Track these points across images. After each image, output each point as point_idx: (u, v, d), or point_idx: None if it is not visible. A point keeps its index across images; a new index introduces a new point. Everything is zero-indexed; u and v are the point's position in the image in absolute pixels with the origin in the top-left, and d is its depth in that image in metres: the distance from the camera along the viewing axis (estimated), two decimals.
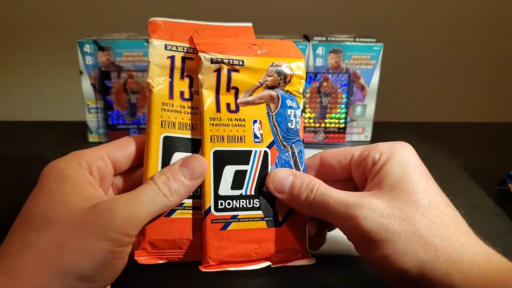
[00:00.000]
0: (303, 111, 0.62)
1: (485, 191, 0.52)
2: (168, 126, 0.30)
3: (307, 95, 0.62)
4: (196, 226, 0.30)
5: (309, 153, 0.34)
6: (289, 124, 0.32)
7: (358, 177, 0.31)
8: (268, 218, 0.30)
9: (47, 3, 0.77)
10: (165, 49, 0.30)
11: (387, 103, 0.69)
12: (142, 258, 0.29)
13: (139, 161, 0.30)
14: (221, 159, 0.30)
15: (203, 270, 0.29)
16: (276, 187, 0.30)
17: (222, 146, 0.30)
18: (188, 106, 0.30)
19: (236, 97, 0.31)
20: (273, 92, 0.32)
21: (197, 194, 0.30)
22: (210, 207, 0.29)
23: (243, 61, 0.30)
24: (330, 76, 0.61)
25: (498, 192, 0.52)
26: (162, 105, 0.30)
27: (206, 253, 0.29)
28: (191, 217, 0.30)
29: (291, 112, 0.32)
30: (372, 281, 0.38)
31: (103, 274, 0.25)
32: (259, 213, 0.30)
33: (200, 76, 0.30)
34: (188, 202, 0.30)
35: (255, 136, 0.31)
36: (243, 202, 0.30)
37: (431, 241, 0.26)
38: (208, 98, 0.30)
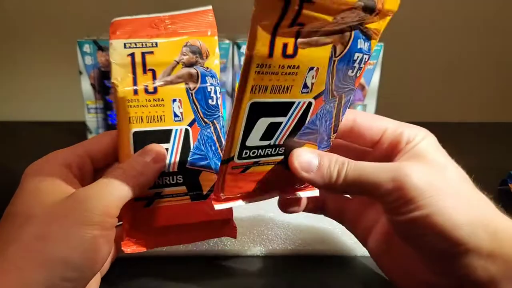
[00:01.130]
0: None
1: (485, 191, 0.52)
2: (136, 122, 0.31)
3: None
4: (177, 213, 0.31)
5: None
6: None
7: (383, 151, 0.31)
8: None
9: (47, 3, 0.77)
10: (124, 47, 0.31)
11: (387, 103, 0.69)
12: (129, 248, 0.30)
13: (117, 156, 0.31)
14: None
15: (214, 204, 0.28)
16: (303, 166, 0.28)
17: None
18: (153, 99, 0.31)
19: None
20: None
21: (173, 182, 0.31)
22: (233, 156, 0.27)
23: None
24: None
25: (498, 192, 0.52)
26: (128, 102, 0.31)
27: (220, 191, 0.28)
28: (170, 204, 0.31)
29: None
30: (372, 281, 0.38)
31: (89, 261, 0.26)
32: (281, 158, 0.29)
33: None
34: (167, 190, 0.31)
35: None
36: (268, 150, 0.28)
37: (476, 202, 0.26)
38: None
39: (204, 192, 0.32)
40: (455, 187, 0.26)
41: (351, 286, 0.37)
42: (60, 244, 0.24)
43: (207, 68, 0.32)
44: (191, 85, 0.32)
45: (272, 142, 0.27)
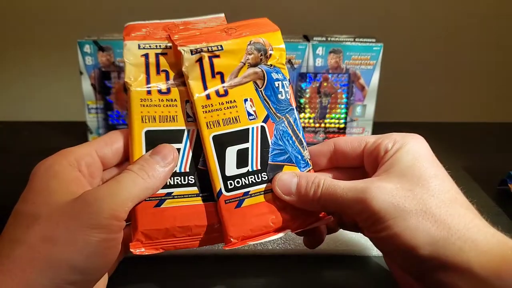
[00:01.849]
0: (302, 110, 0.62)
1: (485, 191, 0.52)
2: (149, 121, 0.31)
3: (307, 95, 0.62)
4: (188, 214, 0.30)
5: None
6: (279, 96, 0.33)
7: (369, 164, 0.31)
8: None
9: (47, 3, 0.77)
10: (139, 48, 0.32)
11: (387, 103, 0.69)
12: (137, 250, 0.29)
13: (127, 155, 0.31)
14: (221, 142, 0.31)
15: (227, 248, 0.30)
16: (283, 190, 0.30)
17: (219, 130, 0.31)
18: (166, 99, 0.31)
19: (223, 81, 0.32)
20: (257, 69, 0.33)
21: (185, 183, 0.31)
22: (220, 189, 0.30)
23: (221, 46, 0.32)
24: (330, 76, 0.61)
25: (498, 192, 0.52)
26: (141, 101, 0.31)
27: (226, 233, 0.30)
28: (181, 205, 0.30)
29: (278, 84, 0.33)
30: (373, 281, 0.38)
31: (95, 265, 0.25)
32: (269, 185, 0.31)
33: (184, 69, 0.31)
34: (177, 191, 0.30)
35: (249, 114, 0.32)
36: (251, 178, 0.31)
37: (443, 219, 0.25)
38: (196, 88, 0.31)
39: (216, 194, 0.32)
40: (422, 204, 0.26)
41: (351, 286, 0.37)
42: (66, 247, 0.24)
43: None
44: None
45: (249, 168, 0.31)
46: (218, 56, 0.32)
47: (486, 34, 0.83)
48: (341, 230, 0.36)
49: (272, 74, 0.33)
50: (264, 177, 0.31)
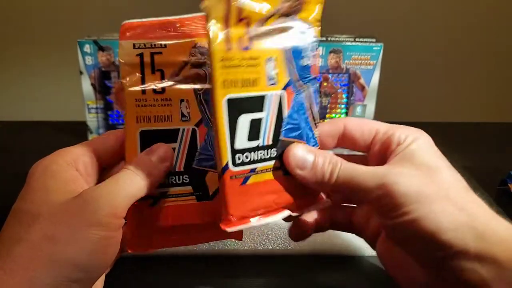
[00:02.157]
0: None
1: (485, 191, 0.52)
2: (144, 121, 0.31)
3: None
4: (183, 213, 0.30)
5: None
6: (305, 61, 0.29)
7: (376, 152, 0.31)
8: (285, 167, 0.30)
9: (47, 3, 0.77)
10: (134, 47, 0.31)
11: (387, 103, 0.69)
12: (133, 248, 0.30)
13: (123, 155, 0.31)
14: (235, 108, 0.26)
15: (225, 228, 0.27)
16: (297, 162, 0.29)
17: (236, 92, 0.26)
18: (161, 99, 0.31)
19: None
20: (288, 22, 0.28)
21: (179, 182, 0.31)
22: (227, 163, 0.27)
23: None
24: (330, 76, 0.61)
25: (498, 192, 0.52)
26: (136, 101, 0.31)
27: (227, 210, 0.27)
28: (176, 204, 0.30)
29: (308, 46, 0.29)
30: (373, 281, 0.38)
31: (96, 263, 0.26)
32: (277, 162, 0.29)
33: (205, 5, 0.25)
34: (172, 190, 0.31)
35: (270, 78, 0.27)
36: (261, 153, 0.28)
37: (465, 205, 0.26)
38: (216, 34, 0.25)
39: (210, 193, 0.32)
40: (443, 190, 0.26)
41: (351, 286, 0.37)
42: (67, 245, 0.24)
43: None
44: (199, 86, 0.31)
45: (260, 142, 0.28)
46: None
47: (486, 34, 0.83)
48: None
49: (305, 32, 0.29)
50: (273, 154, 0.29)
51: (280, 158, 0.29)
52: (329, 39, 0.61)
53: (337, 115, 0.63)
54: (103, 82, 0.60)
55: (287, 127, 0.29)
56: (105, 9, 0.78)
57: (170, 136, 0.31)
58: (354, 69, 0.61)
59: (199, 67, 0.31)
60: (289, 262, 0.39)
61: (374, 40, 0.61)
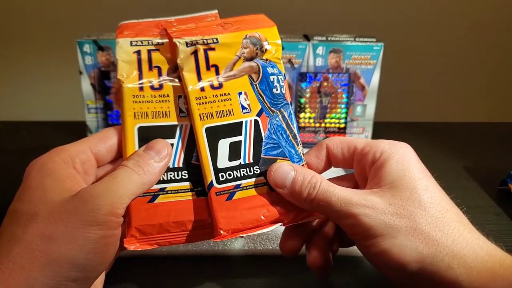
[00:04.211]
0: (302, 109, 0.62)
1: (485, 191, 0.52)
2: (141, 117, 0.31)
3: (307, 95, 0.62)
4: (181, 209, 0.30)
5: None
6: (274, 90, 0.33)
7: (358, 171, 0.32)
8: None
9: (47, 3, 0.77)
10: (131, 45, 0.32)
11: (387, 103, 0.69)
12: (132, 246, 0.30)
13: (121, 152, 0.31)
14: (214, 135, 0.31)
15: (216, 240, 0.30)
16: (277, 182, 0.30)
17: (212, 122, 0.31)
18: (159, 95, 0.31)
19: (218, 74, 0.32)
20: (252, 63, 0.33)
21: (178, 178, 0.31)
22: (211, 181, 0.30)
23: (217, 39, 0.32)
24: (330, 76, 0.61)
25: (498, 192, 0.52)
26: (133, 97, 0.31)
27: (217, 225, 0.29)
28: (175, 200, 0.30)
29: (273, 78, 0.33)
30: (372, 281, 0.38)
31: (95, 262, 0.26)
32: (261, 178, 0.31)
33: (179, 61, 0.31)
34: (170, 186, 0.31)
35: (243, 107, 0.32)
36: (243, 171, 0.31)
37: (432, 235, 0.26)
38: (190, 80, 0.31)
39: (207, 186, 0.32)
40: (412, 222, 0.26)
41: (351, 285, 0.37)
42: (66, 245, 0.24)
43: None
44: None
45: (242, 161, 0.31)
46: (213, 49, 0.32)
47: (486, 34, 0.83)
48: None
49: (267, 68, 0.33)
50: (257, 171, 0.31)
51: (264, 174, 0.31)
52: (329, 38, 0.61)
53: (337, 115, 0.63)
54: (103, 82, 0.60)
55: (267, 146, 0.32)
56: (105, 9, 0.78)
57: (168, 132, 0.31)
58: (354, 69, 0.61)
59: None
60: (289, 262, 0.39)
61: (374, 40, 0.61)
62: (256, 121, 0.32)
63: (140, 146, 0.30)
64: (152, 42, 0.32)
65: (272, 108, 0.32)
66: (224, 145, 0.31)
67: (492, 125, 0.77)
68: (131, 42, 0.32)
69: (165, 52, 0.32)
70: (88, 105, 0.61)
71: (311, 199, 0.29)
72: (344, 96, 0.62)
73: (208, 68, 0.32)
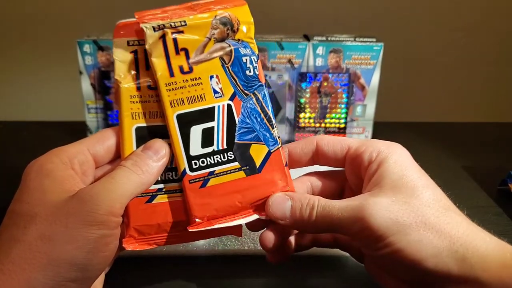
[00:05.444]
0: (302, 109, 0.62)
1: (485, 191, 0.52)
2: (139, 117, 0.31)
3: (307, 95, 0.62)
4: (179, 209, 0.30)
5: None
6: (247, 72, 0.32)
7: (351, 171, 0.31)
8: (245, 167, 0.31)
9: (47, 3, 0.77)
10: (128, 45, 0.31)
11: (387, 103, 0.69)
12: (130, 246, 0.30)
13: (119, 152, 0.31)
14: (185, 121, 0.30)
15: (191, 230, 0.29)
16: (277, 215, 0.29)
17: (183, 108, 0.30)
18: (156, 95, 0.31)
19: (188, 57, 0.31)
20: (224, 44, 0.31)
21: (176, 178, 0.31)
22: (184, 169, 0.30)
23: (185, 21, 0.31)
24: (330, 76, 0.61)
25: (498, 192, 0.52)
26: (131, 97, 0.31)
27: (191, 213, 0.30)
28: (172, 200, 0.31)
29: (246, 59, 0.32)
30: (371, 281, 0.38)
31: (95, 262, 0.26)
32: (236, 164, 0.31)
33: (147, 47, 0.30)
34: (168, 186, 0.31)
35: (215, 92, 0.31)
36: (217, 157, 0.30)
37: (443, 228, 0.25)
38: (159, 66, 0.30)
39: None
40: (420, 217, 0.26)
41: (351, 285, 0.37)
42: (65, 245, 0.24)
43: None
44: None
45: (215, 147, 0.30)
46: (182, 32, 0.31)
47: (486, 34, 0.83)
48: None
49: (239, 49, 0.32)
50: (231, 157, 0.31)
51: (240, 159, 0.31)
52: (329, 38, 0.61)
53: (337, 115, 0.63)
54: (103, 82, 0.60)
55: (241, 131, 0.31)
56: (105, 9, 0.78)
57: (165, 131, 0.31)
58: (354, 68, 0.61)
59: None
60: (289, 263, 0.39)
61: (374, 40, 0.61)
62: (229, 105, 0.31)
63: (138, 146, 0.30)
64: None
65: (246, 91, 0.31)
66: (196, 131, 0.30)
67: (492, 125, 0.77)
68: (128, 42, 0.31)
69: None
70: (88, 105, 0.61)
71: (312, 219, 0.28)
72: (344, 96, 0.62)
73: (177, 52, 0.31)
